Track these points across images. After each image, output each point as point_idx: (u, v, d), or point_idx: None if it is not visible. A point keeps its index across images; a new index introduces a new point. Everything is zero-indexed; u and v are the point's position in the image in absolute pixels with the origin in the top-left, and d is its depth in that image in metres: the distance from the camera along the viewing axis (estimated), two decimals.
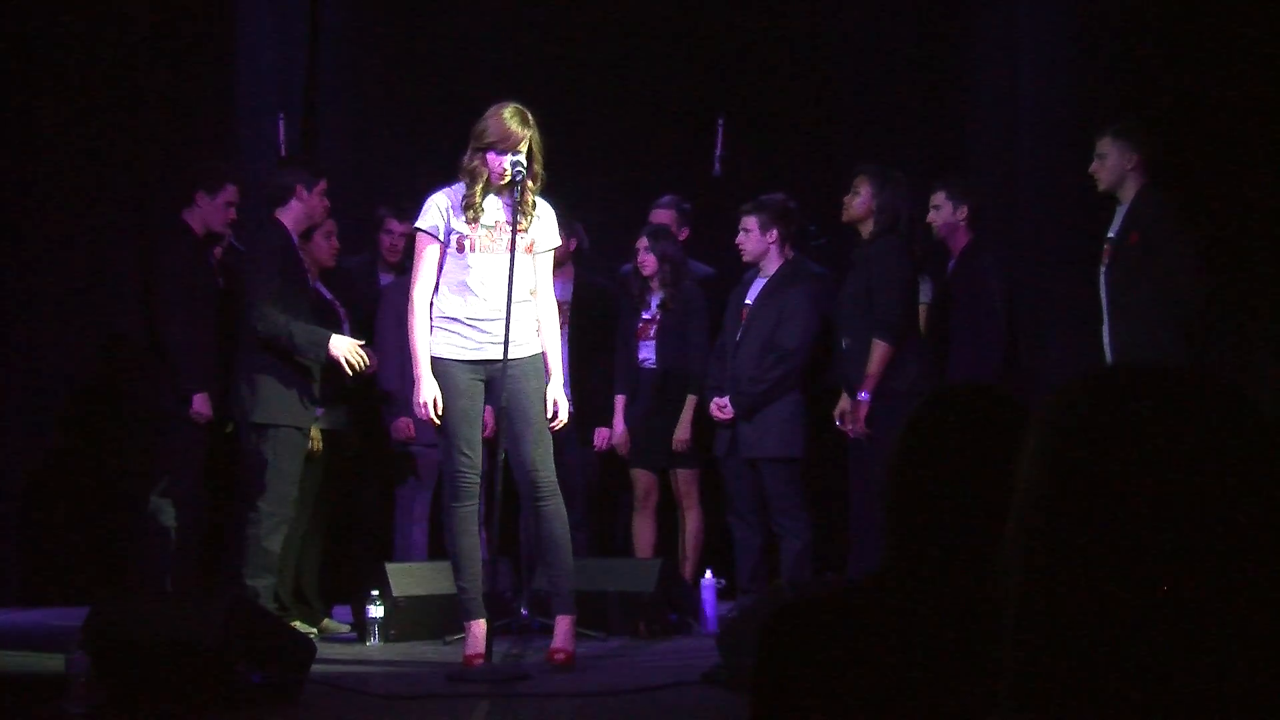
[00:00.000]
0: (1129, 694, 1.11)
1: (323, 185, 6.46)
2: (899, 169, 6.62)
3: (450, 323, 5.46)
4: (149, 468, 6.65)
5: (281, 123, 7.78)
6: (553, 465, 5.51)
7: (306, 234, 6.48)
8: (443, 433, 5.47)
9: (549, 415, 5.50)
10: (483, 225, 5.44)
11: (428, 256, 5.48)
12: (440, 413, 5.40)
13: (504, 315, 5.32)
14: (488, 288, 5.42)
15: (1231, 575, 1.10)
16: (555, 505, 5.49)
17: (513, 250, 5.32)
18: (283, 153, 7.69)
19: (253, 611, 4.99)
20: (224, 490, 6.74)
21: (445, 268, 5.47)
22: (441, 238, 5.46)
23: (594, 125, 8.25)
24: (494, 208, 5.47)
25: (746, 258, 6.97)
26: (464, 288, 5.44)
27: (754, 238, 6.89)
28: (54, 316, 7.56)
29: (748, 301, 6.96)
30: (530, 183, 5.42)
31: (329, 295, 6.61)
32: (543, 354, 5.53)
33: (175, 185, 6.88)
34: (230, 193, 6.63)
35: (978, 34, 8.07)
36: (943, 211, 6.79)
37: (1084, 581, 1.13)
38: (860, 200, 6.49)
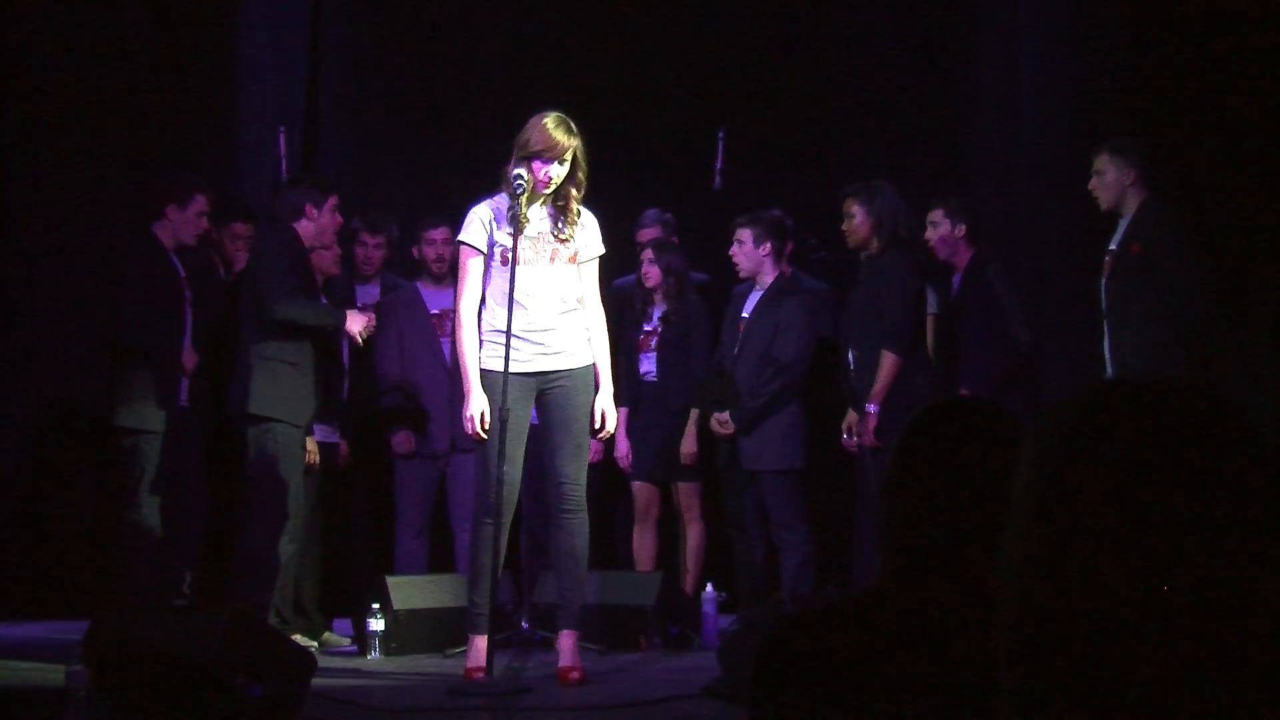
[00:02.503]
0: (1128, 707, 1.10)
1: (333, 201, 6.43)
2: (892, 180, 6.61)
3: (501, 335, 5.37)
4: (144, 479, 6.63)
5: (282, 137, 7.77)
6: (584, 480, 5.49)
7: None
8: (484, 446, 5.39)
9: (596, 426, 5.48)
10: (526, 236, 5.40)
11: (472, 270, 5.44)
12: (485, 426, 5.35)
13: (552, 326, 5.35)
14: (535, 299, 5.38)
15: (1231, 590, 1.10)
16: (581, 520, 5.46)
17: (514, 259, 5.29)
18: (284, 166, 7.67)
19: (252, 624, 4.98)
20: (222, 499, 6.73)
21: (491, 280, 5.44)
22: (485, 250, 5.43)
23: (594, 138, 8.22)
24: (538, 218, 5.44)
25: (741, 272, 6.97)
26: (511, 299, 5.40)
27: (747, 251, 6.89)
28: (52, 330, 7.55)
29: (744, 315, 6.96)
30: (574, 191, 5.42)
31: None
32: (594, 364, 5.51)
33: (144, 199, 6.82)
34: (200, 203, 6.56)
35: (978, 48, 8.08)
36: (940, 229, 6.78)
37: (1082, 594, 1.12)
38: (857, 221, 6.48)
